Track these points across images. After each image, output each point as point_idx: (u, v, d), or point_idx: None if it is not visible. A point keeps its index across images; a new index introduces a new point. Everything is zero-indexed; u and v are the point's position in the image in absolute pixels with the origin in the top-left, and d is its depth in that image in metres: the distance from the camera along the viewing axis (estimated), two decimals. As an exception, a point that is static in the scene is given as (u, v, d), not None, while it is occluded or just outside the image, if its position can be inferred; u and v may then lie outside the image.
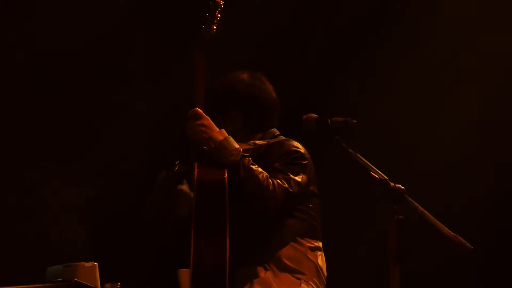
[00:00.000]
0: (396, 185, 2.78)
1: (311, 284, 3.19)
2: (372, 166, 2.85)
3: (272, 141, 3.36)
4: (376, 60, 5.57)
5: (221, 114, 3.37)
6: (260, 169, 3.12)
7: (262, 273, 3.14)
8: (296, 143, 3.31)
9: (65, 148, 5.29)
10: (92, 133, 5.38)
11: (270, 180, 3.10)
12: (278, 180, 3.12)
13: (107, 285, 3.68)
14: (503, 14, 5.49)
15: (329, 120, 2.99)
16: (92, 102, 5.36)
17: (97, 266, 3.65)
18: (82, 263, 3.62)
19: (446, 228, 2.75)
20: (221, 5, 3.32)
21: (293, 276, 3.16)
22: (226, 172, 3.11)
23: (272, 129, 3.44)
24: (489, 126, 5.47)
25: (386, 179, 2.79)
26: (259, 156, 3.24)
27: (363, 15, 5.61)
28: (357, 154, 2.89)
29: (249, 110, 3.37)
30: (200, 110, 3.23)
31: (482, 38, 5.46)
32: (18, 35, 5.25)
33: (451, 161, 5.44)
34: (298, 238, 3.21)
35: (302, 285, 3.16)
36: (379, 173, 2.82)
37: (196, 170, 3.13)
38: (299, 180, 3.19)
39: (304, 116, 3.09)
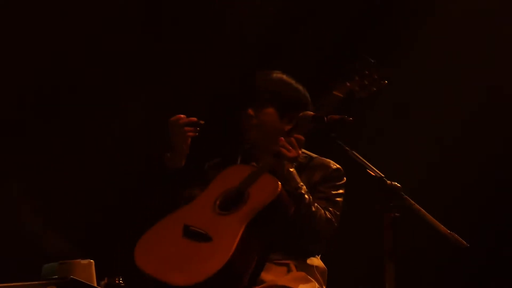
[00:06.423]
0: (392, 182, 2.79)
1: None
2: (368, 163, 2.86)
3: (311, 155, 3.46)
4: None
5: (256, 106, 3.44)
6: (318, 206, 3.24)
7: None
8: (334, 163, 3.42)
9: (58, 141, 5.28)
10: (85, 126, 5.37)
11: (323, 216, 3.24)
12: (328, 215, 3.26)
13: (103, 282, 3.68)
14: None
15: (325, 118, 3.00)
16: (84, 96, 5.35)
17: (93, 264, 3.65)
18: (78, 260, 3.62)
19: (442, 226, 2.76)
20: None
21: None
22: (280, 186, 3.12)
23: None
24: (484, 124, 5.48)
25: (382, 177, 2.80)
26: (300, 168, 3.32)
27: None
28: (353, 151, 2.90)
29: (284, 109, 3.41)
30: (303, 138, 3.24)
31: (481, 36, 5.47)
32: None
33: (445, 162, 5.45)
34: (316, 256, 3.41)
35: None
36: (375, 171, 2.83)
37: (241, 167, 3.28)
38: (339, 213, 3.35)
39: (301, 114, 3.10)
